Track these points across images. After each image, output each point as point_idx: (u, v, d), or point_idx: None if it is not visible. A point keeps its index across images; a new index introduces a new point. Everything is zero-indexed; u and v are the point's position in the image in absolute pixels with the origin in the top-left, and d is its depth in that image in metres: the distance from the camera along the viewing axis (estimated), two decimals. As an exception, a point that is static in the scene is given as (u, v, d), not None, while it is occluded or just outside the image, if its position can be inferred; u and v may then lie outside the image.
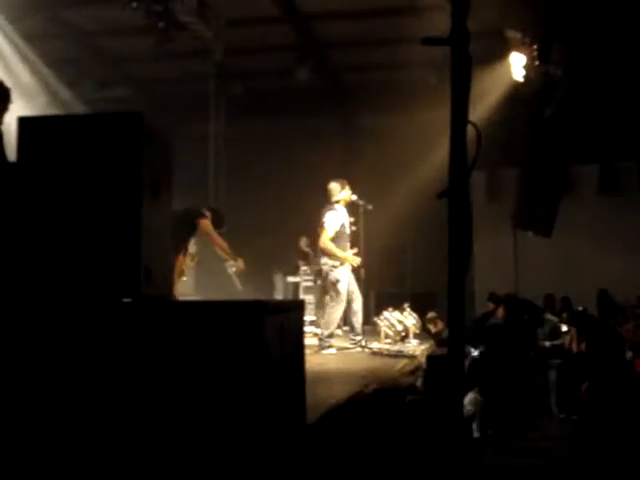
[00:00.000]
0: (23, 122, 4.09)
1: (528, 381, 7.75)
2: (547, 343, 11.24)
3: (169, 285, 4.28)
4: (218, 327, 3.81)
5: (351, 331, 9.28)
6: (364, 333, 9.39)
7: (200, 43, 12.04)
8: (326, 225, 9.07)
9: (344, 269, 9.06)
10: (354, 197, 9.33)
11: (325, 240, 9.03)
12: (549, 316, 11.54)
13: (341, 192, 9.22)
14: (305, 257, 12.85)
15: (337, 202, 9.20)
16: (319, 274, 9.38)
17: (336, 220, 9.09)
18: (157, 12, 10.59)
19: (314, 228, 9.44)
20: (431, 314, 11.31)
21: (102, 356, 3.80)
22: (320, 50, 14.12)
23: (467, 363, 4.87)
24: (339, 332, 9.60)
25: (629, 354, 11.58)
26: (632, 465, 4.49)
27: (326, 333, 8.94)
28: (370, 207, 9.31)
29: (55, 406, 3.79)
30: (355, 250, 9.23)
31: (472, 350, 8.42)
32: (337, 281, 8.99)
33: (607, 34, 8.45)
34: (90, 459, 3.71)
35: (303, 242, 12.89)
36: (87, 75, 13.98)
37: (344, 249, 9.12)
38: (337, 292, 8.99)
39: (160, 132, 4.14)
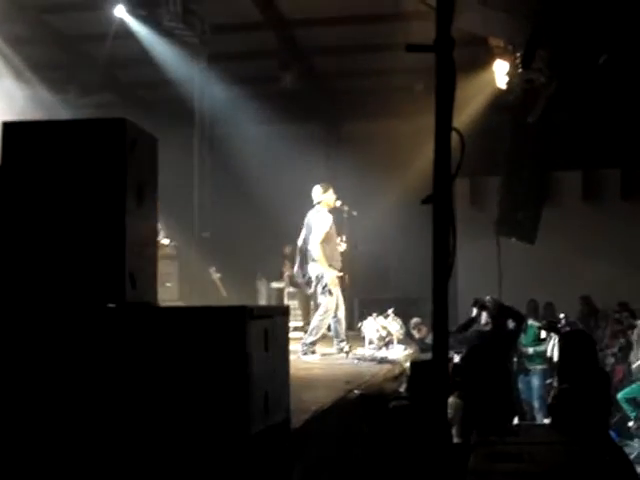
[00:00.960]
0: (7, 127, 4.08)
1: (511, 386, 7.77)
2: (530, 349, 11.30)
3: (154, 291, 4.27)
4: (202, 332, 3.81)
5: (336, 337, 9.27)
6: (348, 339, 9.41)
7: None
8: (314, 228, 9.05)
9: (334, 273, 9.04)
10: (338, 203, 9.34)
11: (315, 244, 8.99)
12: (532, 322, 11.60)
13: (324, 194, 9.21)
14: (288, 263, 12.84)
15: (319, 203, 9.20)
16: (308, 282, 9.30)
17: (324, 223, 9.08)
18: (142, 17, 10.58)
19: (298, 233, 9.43)
20: (415, 320, 11.35)
21: (86, 361, 3.79)
22: (305, 56, 14.14)
23: (450, 368, 4.87)
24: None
25: (611, 360, 11.69)
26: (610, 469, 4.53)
27: (309, 340, 8.93)
28: (355, 213, 9.32)
29: (39, 409, 3.78)
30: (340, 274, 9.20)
31: (454, 355, 8.43)
32: (329, 285, 8.96)
33: (590, 41, 8.51)
34: (71, 461, 3.70)
35: (287, 249, 12.88)
36: (71, 80, 13.93)
37: (333, 251, 9.11)
38: (329, 297, 8.95)
39: (144, 137, 4.14)
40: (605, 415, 6.03)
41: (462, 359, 7.59)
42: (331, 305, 8.96)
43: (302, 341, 9.04)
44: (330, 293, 8.96)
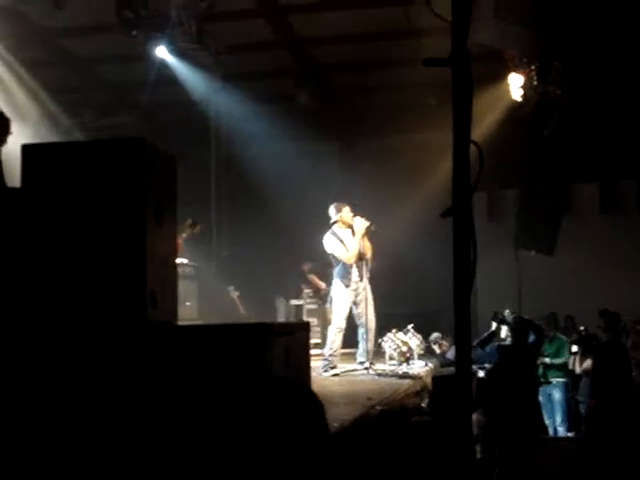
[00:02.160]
0: (26, 149, 4.12)
1: (534, 401, 7.72)
2: (547, 360, 11.23)
3: (174, 309, 4.29)
4: (224, 350, 3.82)
5: (359, 353, 9.28)
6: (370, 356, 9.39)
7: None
8: (326, 249, 9.18)
9: (344, 290, 9.07)
10: (357, 219, 9.32)
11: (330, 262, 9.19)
12: (559, 335, 11.55)
13: (338, 214, 9.28)
14: (308, 281, 12.84)
15: (335, 223, 9.27)
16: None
17: (328, 243, 9.16)
18: (158, 39, 10.67)
19: (316, 250, 9.48)
20: (435, 335, 11.30)
21: (110, 381, 3.80)
22: (319, 74, 14.20)
23: (474, 383, 4.83)
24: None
25: (633, 372, 11.57)
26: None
27: (327, 353, 8.94)
28: (373, 228, 9.31)
29: (64, 426, 3.79)
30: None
31: (478, 370, 8.38)
32: (333, 300, 9.10)
33: (604, 53, 8.50)
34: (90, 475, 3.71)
35: (306, 266, 12.88)
36: (87, 102, 14.04)
37: (347, 270, 9.13)
38: (335, 313, 9.07)
39: (163, 156, 4.17)
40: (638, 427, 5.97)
41: (487, 374, 7.55)
42: (337, 319, 9.01)
43: (322, 358, 9.05)
44: (335, 309, 9.06)
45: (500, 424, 5.88)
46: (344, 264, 9.13)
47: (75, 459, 3.74)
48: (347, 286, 9.07)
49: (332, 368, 8.89)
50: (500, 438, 5.79)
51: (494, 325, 10.14)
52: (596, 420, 5.63)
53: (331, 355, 8.96)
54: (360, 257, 9.19)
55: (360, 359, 9.16)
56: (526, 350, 8.89)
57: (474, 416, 6.12)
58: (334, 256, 9.16)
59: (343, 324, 9.03)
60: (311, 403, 2.76)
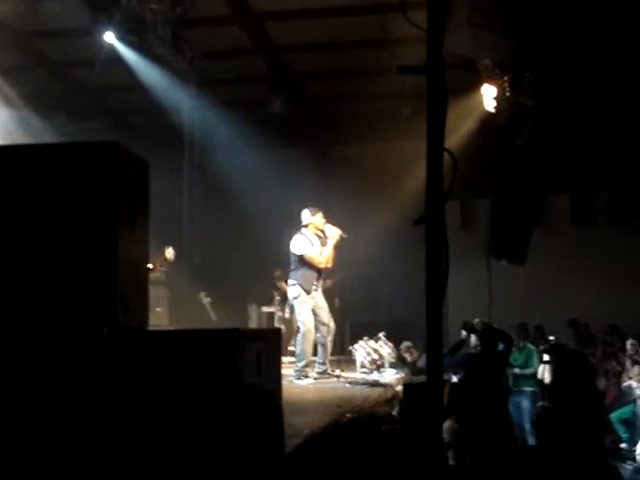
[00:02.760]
0: (-3, 151, 4.08)
1: (504, 409, 7.75)
2: (517, 370, 11.30)
3: (145, 314, 4.26)
4: (195, 355, 3.80)
5: (318, 361, 9.25)
6: (340, 363, 9.39)
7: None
8: (291, 251, 9.12)
9: (306, 299, 9.04)
10: (327, 226, 9.31)
11: (290, 266, 9.13)
12: (528, 345, 11.63)
13: (312, 217, 9.26)
14: (279, 288, 12.82)
15: (305, 227, 9.24)
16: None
17: (300, 244, 9.10)
18: (132, 43, 10.61)
19: (289, 257, 9.45)
20: (406, 343, 11.34)
21: (80, 385, 3.76)
22: (293, 81, 14.21)
23: (447, 389, 4.87)
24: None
25: (602, 381, 11.68)
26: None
27: (300, 364, 8.91)
28: (345, 236, 9.31)
29: (34, 430, 3.75)
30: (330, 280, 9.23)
31: (452, 377, 8.42)
32: (298, 311, 9.04)
33: (577, 63, 8.58)
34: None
35: (278, 272, 12.87)
36: (60, 106, 13.94)
37: (312, 275, 9.10)
38: (302, 322, 9.01)
39: (136, 161, 4.15)
40: (599, 436, 6.02)
41: (459, 382, 7.58)
42: (306, 328, 8.95)
43: (294, 367, 9.01)
44: (301, 319, 9.00)
45: (471, 432, 5.90)
46: (310, 268, 9.07)
47: (44, 465, 3.70)
48: (308, 292, 9.03)
49: (305, 377, 8.87)
50: (471, 446, 5.81)
51: (464, 334, 10.20)
52: (548, 426, 5.68)
53: (305, 365, 8.94)
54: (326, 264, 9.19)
55: (321, 368, 9.11)
56: (495, 359, 8.94)
57: (447, 422, 6.13)
58: (301, 258, 9.07)
59: (312, 331, 9.00)
60: (272, 411, 2.77)
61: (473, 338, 10.19)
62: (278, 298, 12.69)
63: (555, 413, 5.70)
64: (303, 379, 8.82)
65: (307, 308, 9.02)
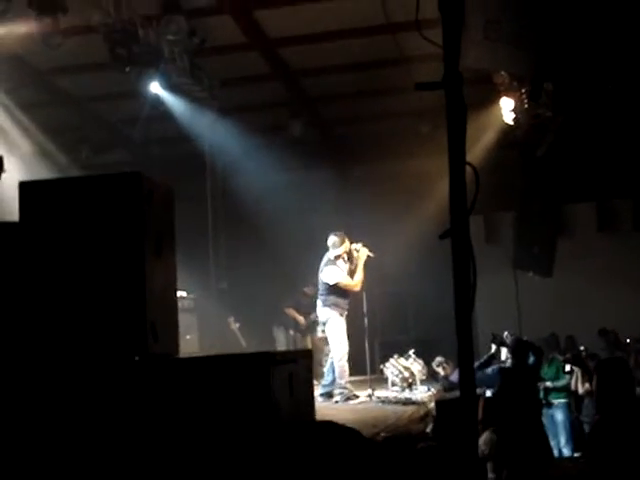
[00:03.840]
0: (24, 186, 4.14)
1: (538, 422, 7.67)
2: (549, 384, 11.17)
3: (175, 341, 4.28)
4: (227, 381, 3.81)
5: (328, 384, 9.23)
6: (371, 382, 9.37)
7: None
8: (324, 278, 9.15)
9: (340, 319, 9.07)
10: (354, 245, 9.34)
11: (323, 290, 9.15)
12: (557, 356, 11.51)
13: (341, 246, 9.27)
14: (290, 315, 12.84)
15: (337, 257, 9.25)
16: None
17: (334, 275, 9.14)
18: (151, 74, 10.73)
19: (314, 279, 9.49)
20: (439, 358, 11.29)
21: (111, 414, 3.79)
22: (312, 104, 14.30)
23: (482, 404, 4.87)
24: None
25: (637, 390, 11.52)
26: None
27: (343, 382, 8.90)
28: (372, 254, 9.33)
29: (70, 461, 3.77)
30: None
31: (486, 391, 8.36)
32: (333, 332, 9.05)
33: (595, 72, 8.56)
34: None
35: (309, 290, 12.93)
36: (84, 139, 14.11)
37: (342, 302, 9.15)
38: (338, 342, 9.00)
39: (160, 189, 4.19)
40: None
41: (494, 396, 7.52)
42: (342, 349, 8.95)
43: (337, 387, 8.98)
44: (340, 337, 9.00)
45: (508, 444, 5.85)
46: (342, 294, 9.12)
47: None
48: (341, 315, 9.07)
49: (355, 396, 8.85)
50: (508, 459, 5.76)
51: (493, 347, 10.13)
52: (599, 438, 5.60)
53: (347, 383, 8.93)
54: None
55: (327, 389, 9.08)
56: (527, 371, 8.87)
57: (485, 434, 6.09)
58: (334, 286, 9.11)
59: (347, 352, 9.01)
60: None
61: (503, 351, 10.12)
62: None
63: (604, 425, 5.65)
64: (354, 399, 8.81)
65: (342, 328, 9.04)
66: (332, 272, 9.15)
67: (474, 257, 2.87)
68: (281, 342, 13.27)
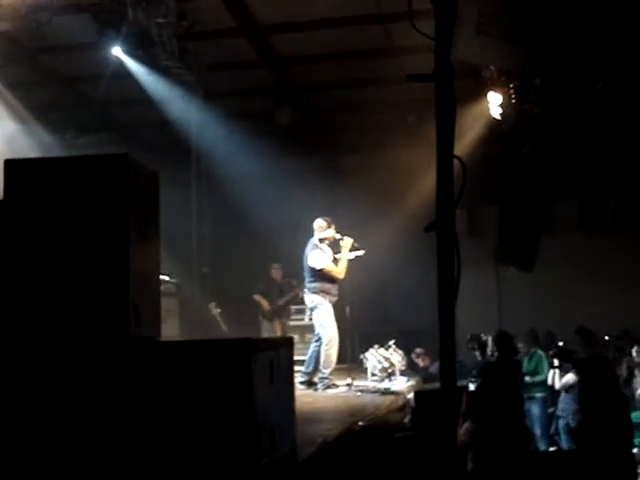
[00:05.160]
0: (8, 164, 4.10)
1: (523, 413, 7.73)
2: (528, 378, 11.25)
3: (157, 325, 4.27)
4: (207, 366, 3.81)
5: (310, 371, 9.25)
6: (350, 371, 9.40)
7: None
8: (310, 263, 9.15)
9: (328, 306, 9.08)
10: (338, 236, 9.36)
11: (310, 276, 9.15)
12: (538, 351, 11.59)
13: (326, 230, 9.29)
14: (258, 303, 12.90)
15: (322, 241, 9.26)
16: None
17: (319, 259, 9.14)
18: (139, 57, 10.68)
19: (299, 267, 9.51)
20: (418, 350, 11.37)
21: (91, 397, 3.78)
22: (300, 92, 14.27)
23: (464, 397, 4.93)
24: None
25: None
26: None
27: (327, 372, 8.91)
28: (356, 245, 9.33)
29: (44, 440, 3.77)
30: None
31: (469, 384, 8.43)
32: (320, 319, 9.05)
33: (583, 70, 8.61)
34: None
35: (276, 273, 12.97)
36: (69, 120, 14.02)
37: (331, 287, 9.15)
38: (325, 329, 9.01)
39: (146, 172, 4.17)
40: (628, 438, 6.01)
41: (477, 389, 7.58)
42: (330, 335, 8.96)
43: (319, 375, 9.00)
44: (329, 324, 9.00)
45: (488, 436, 5.90)
46: (329, 280, 9.13)
47: (51, 475, 3.73)
48: (330, 302, 9.08)
49: (335, 385, 8.87)
50: (488, 449, 5.81)
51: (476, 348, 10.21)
52: (585, 434, 5.67)
53: (330, 373, 8.94)
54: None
55: (307, 377, 9.09)
56: (510, 365, 8.93)
57: (466, 424, 6.14)
58: (320, 271, 9.12)
59: (337, 337, 9.01)
60: None
61: (489, 346, 10.22)
62: (292, 307, 12.73)
63: (590, 421, 5.71)
64: (333, 388, 8.83)
65: (329, 315, 9.04)
66: (318, 256, 9.16)
67: (459, 250, 2.89)
68: (264, 329, 13.28)
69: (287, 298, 12.63)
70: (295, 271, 11.22)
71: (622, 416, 5.80)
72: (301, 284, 10.05)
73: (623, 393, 7.05)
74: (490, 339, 10.92)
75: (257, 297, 12.79)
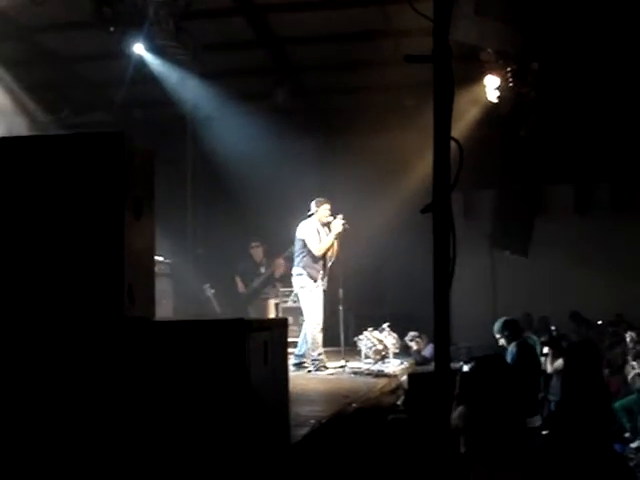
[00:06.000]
0: (3, 142, 4.09)
1: (513, 399, 7.74)
2: None
3: (152, 305, 4.27)
4: (202, 346, 3.81)
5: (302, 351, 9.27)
6: (344, 353, 9.42)
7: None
8: (296, 235, 9.16)
9: (313, 287, 9.08)
10: (330, 218, 9.34)
11: (296, 255, 9.18)
12: (532, 336, 11.61)
13: (319, 208, 9.31)
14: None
15: (310, 216, 9.29)
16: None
17: (306, 230, 9.16)
18: (135, 36, 10.59)
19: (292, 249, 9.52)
20: (412, 333, 11.36)
21: (85, 377, 3.78)
22: (297, 73, 14.20)
23: (458, 378, 4.91)
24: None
25: (605, 372, 11.67)
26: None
27: (315, 354, 8.92)
28: (346, 226, 9.33)
29: (39, 418, 3.77)
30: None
31: (464, 365, 8.43)
32: (306, 301, 9.06)
33: (581, 54, 8.58)
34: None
35: (256, 252, 12.95)
36: (65, 99, 13.93)
37: (314, 265, 9.15)
38: (312, 312, 9.02)
39: (141, 152, 4.15)
40: (607, 426, 6.02)
41: (471, 371, 7.57)
42: (314, 318, 8.96)
43: (309, 357, 9.02)
44: (314, 304, 9.01)
45: (481, 419, 5.91)
46: (311, 256, 9.12)
47: (49, 458, 3.73)
48: (315, 280, 9.07)
49: (325, 367, 8.89)
50: (481, 432, 5.81)
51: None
52: (562, 416, 5.69)
53: (320, 354, 8.95)
54: (325, 255, 9.21)
55: (300, 359, 9.12)
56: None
57: (459, 408, 6.14)
58: (303, 244, 9.13)
59: (321, 320, 9.02)
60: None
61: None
62: (282, 289, 12.69)
63: (568, 406, 5.72)
64: (323, 370, 8.85)
65: (316, 297, 9.04)
66: (305, 227, 9.21)
67: (455, 232, 2.88)
68: (259, 310, 13.25)
69: (261, 279, 12.59)
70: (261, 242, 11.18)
71: (602, 404, 5.82)
72: (281, 261, 10.01)
73: (605, 384, 7.07)
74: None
75: (235, 278, 12.78)
